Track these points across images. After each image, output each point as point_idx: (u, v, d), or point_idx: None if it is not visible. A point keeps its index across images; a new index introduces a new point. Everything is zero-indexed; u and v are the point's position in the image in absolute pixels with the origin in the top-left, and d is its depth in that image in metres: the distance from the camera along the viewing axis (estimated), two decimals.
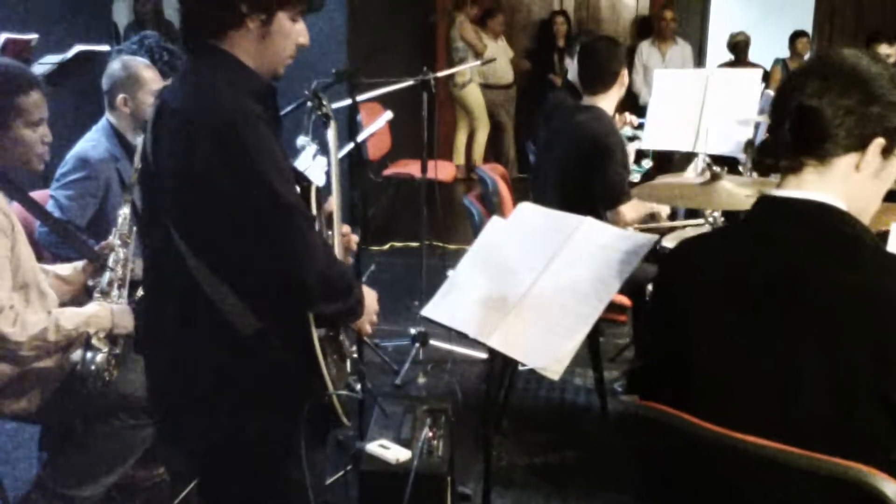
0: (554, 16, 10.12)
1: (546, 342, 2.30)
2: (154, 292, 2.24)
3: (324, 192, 2.34)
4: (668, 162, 7.37)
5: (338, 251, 2.40)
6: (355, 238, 2.56)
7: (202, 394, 2.13)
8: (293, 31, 2.15)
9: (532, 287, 2.45)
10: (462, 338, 4.92)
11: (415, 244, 6.98)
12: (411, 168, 7.30)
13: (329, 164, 2.63)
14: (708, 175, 3.35)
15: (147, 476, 3.58)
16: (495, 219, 2.80)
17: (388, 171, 7.58)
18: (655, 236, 2.45)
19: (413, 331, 4.94)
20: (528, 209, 2.72)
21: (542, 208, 2.71)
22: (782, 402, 1.65)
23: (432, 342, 4.98)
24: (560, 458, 3.96)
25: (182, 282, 2.06)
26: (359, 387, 2.31)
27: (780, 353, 1.67)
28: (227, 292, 2.03)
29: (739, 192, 3.06)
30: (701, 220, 3.93)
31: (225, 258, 2.03)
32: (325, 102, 2.59)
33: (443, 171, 7.19)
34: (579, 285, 2.37)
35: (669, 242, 3.69)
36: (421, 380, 4.72)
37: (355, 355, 2.36)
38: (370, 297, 2.31)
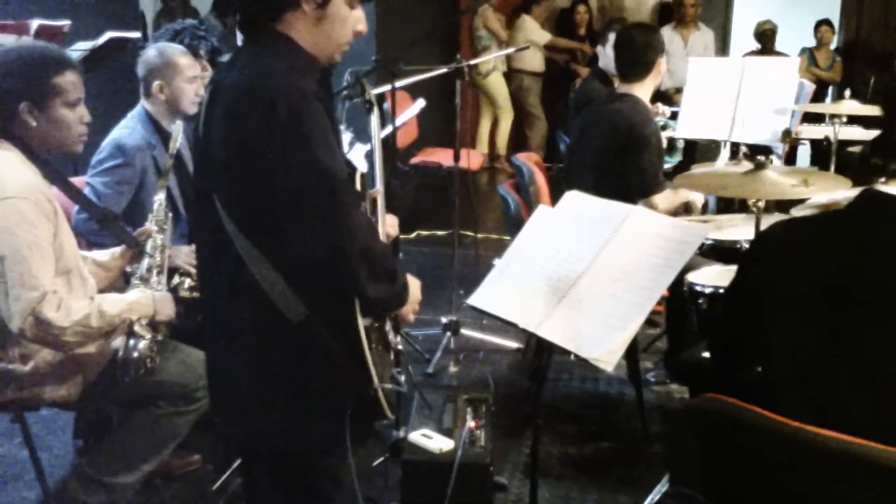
0: (576, 4, 10.06)
1: (598, 333, 2.27)
2: (206, 279, 2.24)
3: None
4: (694, 152, 7.35)
5: (381, 236, 2.38)
6: (396, 228, 2.55)
7: (250, 382, 2.13)
8: (350, 17, 2.14)
9: (582, 277, 2.42)
10: (494, 327, 5.00)
11: (441, 233, 7.00)
12: (438, 156, 7.28)
13: (373, 150, 2.61)
14: (750, 164, 3.32)
15: (182, 464, 3.59)
16: (542, 207, 2.78)
17: (415, 160, 7.56)
18: (709, 226, 2.42)
19: (444, 319, 4.92)
20: (576, 198, 2.69)
21: (590, 197, 2.68)
22: (868, 398, 1.62)
23: (464, 331, 4.97)
24: (595, 448, 3.94)
25: (231, 267, 2.06)
26: (402, 378, 2.29)
27: (871, 351, 1.64)
28: (276, 278, 2.02)
29: (784, 182, 3.01)
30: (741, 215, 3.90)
31: (272, 236, 2.02)
32: (367, 89, 2.58)
33: (472, 159, 7.16)
34: (631, 276, 2.34)
35: (715, 234, 3.66)
36: (452, 369, 4.70)
37: (400, 346, 2.33)
38: (414, 285, 2.29)
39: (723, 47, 10.15)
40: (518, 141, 10.01)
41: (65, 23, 4.79)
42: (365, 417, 2.19)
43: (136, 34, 5.42)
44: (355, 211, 2.04)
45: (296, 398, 2.11)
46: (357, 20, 2.16)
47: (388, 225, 2.49)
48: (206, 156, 2.12)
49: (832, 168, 4.75)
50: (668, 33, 9.48)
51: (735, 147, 4.92)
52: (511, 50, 7.57)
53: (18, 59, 2.78)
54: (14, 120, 2.77)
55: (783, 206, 3.87)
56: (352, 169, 2.26)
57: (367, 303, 2.08)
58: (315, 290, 2.05)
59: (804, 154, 8.03)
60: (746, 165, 3.37)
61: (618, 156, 4.05)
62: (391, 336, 2.30)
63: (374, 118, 2.57)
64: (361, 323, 2.07)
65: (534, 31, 9.64)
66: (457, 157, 4.78)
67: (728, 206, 5.02)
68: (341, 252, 1.98)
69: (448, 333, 4.89)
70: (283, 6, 2.07)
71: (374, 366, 2.09)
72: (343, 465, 2.13)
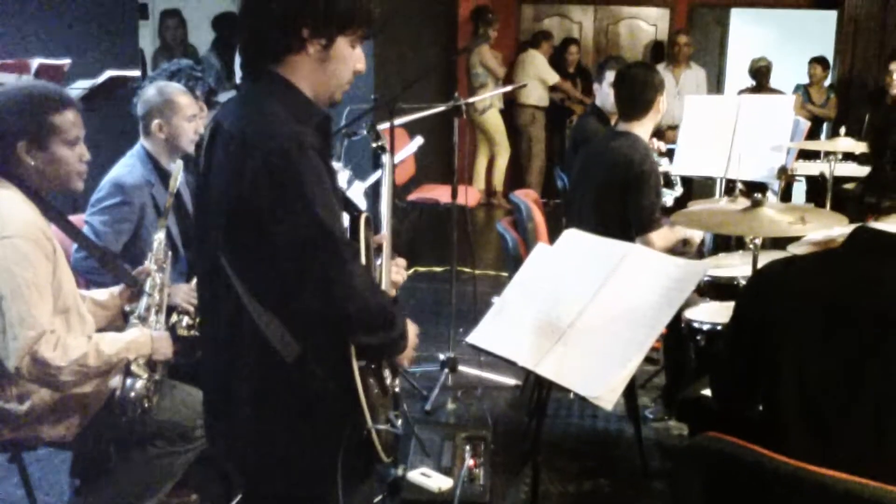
0: (567, 44, 10.15)
1: (598, 371, 2.27)
2: (206, 315, 2.25)
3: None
4: (689, 189, 7.37)
5: (385, 283, 2.39)
6: (403, 274, 2.54)
7: (246, 420, 2.12)
8: (352, 57, 2.16)
9: (581, 315, 2.42)
10: (492, 364, 4.99)
11: (438, 269, 7.00)
12: (436, 193, 7.30)
13: (380, 195, 2.62)
14: (746, 202, 3.33)
15: (180, 502, 3.55)
16: (541, 245, 2.78)
17: (412, 196, 7.58)
18: (708, 264, 2.43)
19: (442, 356, 4.92)
20: (574, 236, 2.69)
21: (588, 235, 2.69)
22: (878, 438, 1.61)
23: (461, 368, 4.96)
24: (594, 485, 3.92)
25: (229, 305, 2.06)
26: (399, 422, 2.28)
27: (875, 385, 1.64)
28: (271, 318, 2.03)
29: (782, 219, 3.02)
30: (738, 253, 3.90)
31: (268, 283, 2.03)
32: (381, 135, 2.61)
33: (470, 196, 7.17)
34: (631, 313, 2.34)
35: (712, 271, 3.67)
36: (450, 406, 4.68)
37: (397, 389, 2.32)
38: (411, 331, 2.29)
39: (717, 84, 10.23)
40: (514, 177, 10.04)
41: (65, 61, 4.81)
42: (359, 459, 2.18)
43: (136, 72, 5.44)
44: (353, 266, 2.04)
45: (290, 437, 2.10)
46: (357, 59, 2.17)
47: (394, 271, 2.48)
48: (206, 198, 2.13)
49: (828, 205, 4.77)
50: (660, 71, 9.55)
51: (731, 184, 4.93)
52: (509, 87, 7.61)
53: (17, 98, 2.79)
54: (13, 158, 2.77)
55: (780, 242, 3.87)
56: (356, 211, 2.27)
57: (362, 349, 2.09)
58: (310, 333, 2.05)
59: (799, 191, 8.06)
60: (743, 202, 3.39)
61: (619, 193, 4.08)
62: (388, 379, 2.29)
63: (388, 163, 2.59)
64: (356, 364, 2.07)
65: (543, 67, 9.72)
66: (454, 194, 4.79)
67: (725, 242, 5.04)
68: (337, 308, 2.01)
69: (446, 370, 4.88)
70: (288, 49, 2.08)
71: (368, 407, 2.08)
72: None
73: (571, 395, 2.36)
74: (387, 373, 2.27)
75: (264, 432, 2.11)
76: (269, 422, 2.10)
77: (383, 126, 4.64)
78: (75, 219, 3.53)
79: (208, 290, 2.20)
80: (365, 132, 2.67)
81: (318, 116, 2.12)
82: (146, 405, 2.85)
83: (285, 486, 2.15)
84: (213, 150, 2.10)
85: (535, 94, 9.76)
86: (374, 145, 2.60)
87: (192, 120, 3.70)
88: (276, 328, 2.03)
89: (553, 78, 9.74)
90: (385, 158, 2.55)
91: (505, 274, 6.17)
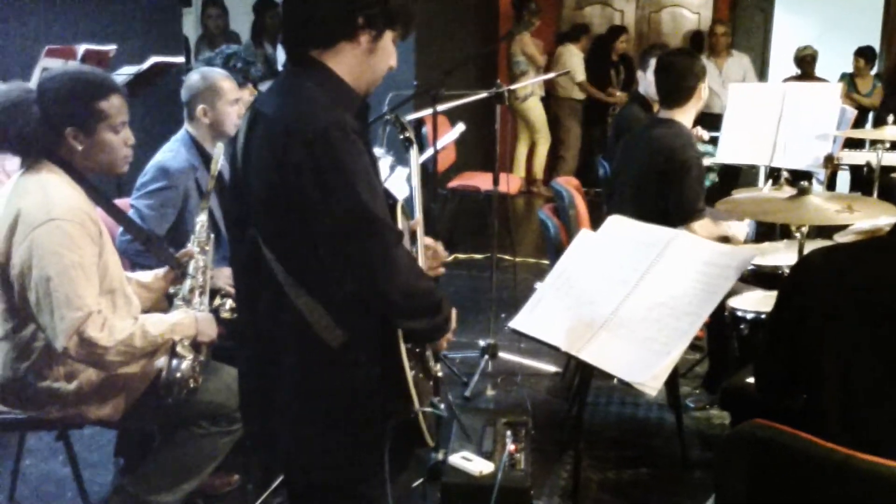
0: (616, 31, 10.04)
1: (642, 358, 2.26)
2: (245, 302, 2.24)
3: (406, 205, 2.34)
4: (734, 178, 7.32)
5: (423, 267, 2.39)
6: (444, 254, 2.54)
7: (289, 409, 2.12)
8: (393, 53, 2.17)
9: (625, 301, 2.42)
10: (532, 351, 4.99)
11: (479, 256, 7.00)
12: (477, 180, 7.29)
13: (411, 185, 2.62)
14: (791, 190, 3.30)
15: (222, 483, 3.61)
16: (584, 231, 2.77)
17: (452, 184, 7.57)
18: (754, 252, 2.41)
19: (482, 343, 4.92)
20: (619, 222, 2.68)
21: (633, 221, 2.68)
22: None
23: (501, 354, 4.96)
24: (634, 473, 3.91)
25: (271, 292, 2.07)
26: (442, 405, 2.28)
27: None
28: (314, 304, 2.03)
29: (829, 208, 2.99)
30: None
31: (311, 269, 2.03)
32: (406, 126, 2.59)
33: (511, 183, 7.16)
34: (676, 300, 2.33)
35: (756, 259, 3.63)
36: (490, 392, 4.69)
37: (440, 374, 2.33)
38: (453, 314, 2.28)
39: (760, 72, 10.11)
40: (552, 165, 10.01)
41: (111, 47, 4.86)
42: (405, 445, 2.19)
43: (180, 59, 5.49)
44: (397, 250, 2.03)
45: (335, 425, 2.10)
46: (394, 56, 2.19)
47: (428, 255, 2.48)
48: (245, 184, 2.13)
49: (875, 194, 4.71)
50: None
51: (776, 172, 4.89)
52: (552, 75, 7.59)
53: (65, 84, 2.82)
54: (61, 143, 2.81)
55: (825, 231, 3.84)
56: (392, 200, 2.27)
57: (406, 333, 2.10)
58: (354, 318, 2.05)
59: (843, 179, 7.97)
60: (789, 190, 3.36)
61: (658, 181, 4.05)
62: (431, 362, 2.30)
63: (414, 154, 2.57)
64: (403, 347, 2.08)
65: (576, 63, 9.65)
66: (496, 181, 4.78)
67: (769, 232, 4.99)
68: (382, 293, 2.01)
69: (486, 357, 4.88)
70: (341, 35, 2.08)
71: (414, 389, 2.09)
72: (382, 494, 2.13)
73: (615, 381, 2.35)
74: (429, 355, 2.27)
75: (306, 419, 2.11)
76: (312, 409, 2.10)
77: (424, 113, 4.65)
78: (120, 202, 3.57)
79: (246, 279, 2.21)
80: (391, 124, 2.63)
81: (357, 103, 2.13)
82: (191, 386, 2.87)
83: (328, 473, 2.15)
84: (251, 138, 2.10)
85: (571, 87, 9.71)
86: (400, 137, 2.57)
87: (235, 104, 3.73)
88: (321, 315, 2.03)
89: (580, 76, 9.65)
90: (412, 152, 2.54)
91: (544, 261, 6.15)
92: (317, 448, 2.13)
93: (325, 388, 2.09)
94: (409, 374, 2.08)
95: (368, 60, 2.12)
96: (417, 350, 2.21)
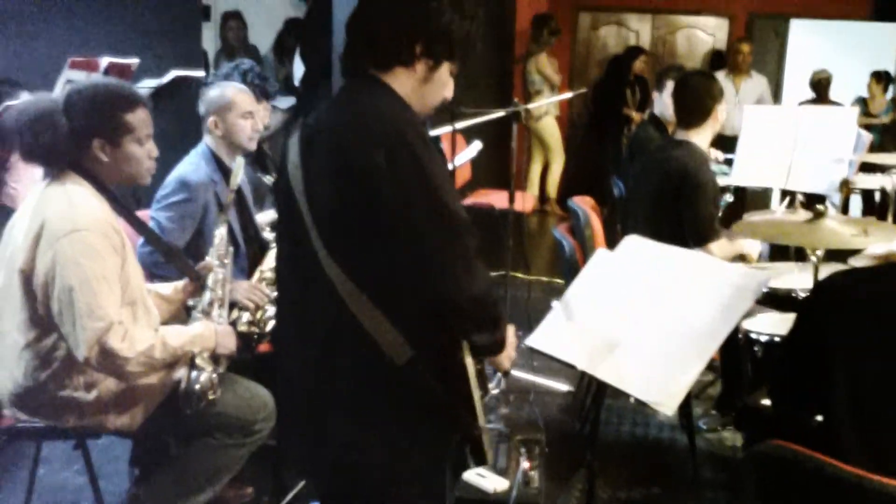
0: (635, 52, 10.04)
1: (659, 376, 2.27)
2: (291, 320, 2.21)
3: None
4: (742, 200, 7.32)
5: None
6: None
7: (346, 430, 2.08)
8: (448, 84, 2.18)
9: (642, 320, 2.43)
10: (545, 369, 4.99)
11: (492, 273, 6.99)
12: (492, 198, 7.31)
13: None
14: (805, 213, 3.32)
15: (237, 495, 3.62)
16: (601, 250, 2.79)
17: (467, 201, 7.59)
18: (770, 273, 2.42)
19: None
20: (636, 241, 2.70)
21: (650, 241, 2.70)
22: None
23: (514, 372, 4.97)
24: (645, 493, 3.92)
25: (330, 310, 2.03)
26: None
27: None
28: (381, 319, 1.99)
29: (844, 231, 3.01)
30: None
31: (381, 279, 1.99)
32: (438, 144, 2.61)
33: (525, 202, 7.17)
34: (693, 320, 2.34)
35: (770, 282, 3.64)
36: (503, 409, 4.69)
37: (495, 391, 2.32)
38: (510, 331, 2.26)
39: (775, 94, 10.12)
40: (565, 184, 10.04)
41: (133, 61, 4.92)
42: (462, 461, 2.16)
43: (200, 72, 5.54)
44: (476, 257, 2.02)
45: (395, 444, 2.07)
46: (450, 87, 2.19)
47: None
48: (304, 199, 2.08)
49: (890, 218, 4.72)
50: (720, 80, 9.45)
51: (791, 195, 4.90)
52: (568, 94, 7.62)
53: (93, 97, 2.86)
54: (87, 155, 2.85)
55: (840, 255, 3.85)
56: None
57: (470, 347, 2.08)
58: (423, 332, 2.02)
59: (855, 203, 7.97)
60: (803, 213, 3.37)
61: (674, 202, 4.06)
62: (487, 380, 2.28)
63: None
64: (471, 364, 2.06)
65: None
66: (511, 199, 4.81)
67: (783, 253, 5.00)
68: (455, 301, 1.98)
69: (499, 374, 4.88)
70: (397, 60, 2.08)
71: (480, 407, 2.06)
72: None
73: (631, 400, 2.36)
74: (487, 372, 2.26)
75: (366, 443, 2.07)
76: (373, 431, 2.06)
77: (442, 131, 4.67)
78: (141, 214, 3.61)
79: (299, 295, 2.15)
80: None
81: (418, 120, 2.12)
82: (210, 398, 2.89)
83: (390, 489, 2.11)
84: (309, 154, 2.08)
85: None
86: None
87: (247, 117, 3.76)
88: (387, 330, 1.99)
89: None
90: None
91: (558, 280, 6.17)
92: (375, 464, 2.09)
93: (386, 407, 2.05)
94: (477, 391, 2.07)
95: (423, 89, 2.13)
96: (479, 367, 2.18)
